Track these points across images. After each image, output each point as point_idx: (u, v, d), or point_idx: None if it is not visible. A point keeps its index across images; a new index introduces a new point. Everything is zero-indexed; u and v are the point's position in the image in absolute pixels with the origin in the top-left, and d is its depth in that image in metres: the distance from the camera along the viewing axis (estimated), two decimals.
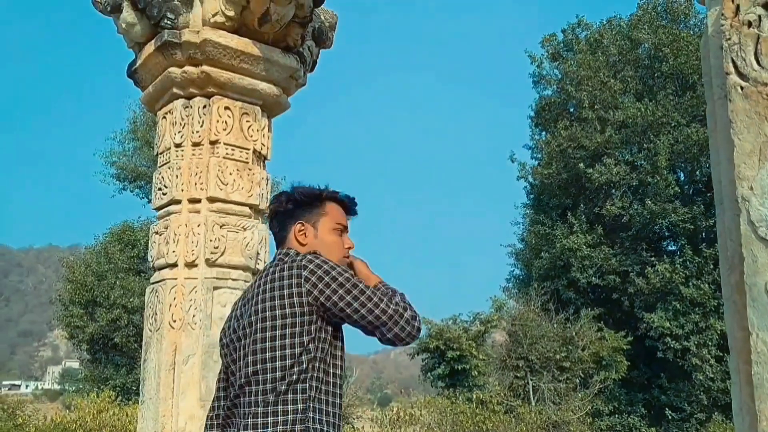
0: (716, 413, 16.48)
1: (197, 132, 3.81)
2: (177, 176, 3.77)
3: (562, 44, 22.28)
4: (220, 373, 2.16)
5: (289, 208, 2.16)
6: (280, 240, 2.19)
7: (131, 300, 17.96)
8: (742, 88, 1.63)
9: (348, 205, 2.22)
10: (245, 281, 3.76)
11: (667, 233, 20.15)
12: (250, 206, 3.87)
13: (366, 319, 1.95)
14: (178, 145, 3.84)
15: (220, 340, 2.15)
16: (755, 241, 1.54)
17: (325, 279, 1.94)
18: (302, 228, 2.14)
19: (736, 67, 1.66)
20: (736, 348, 1.62)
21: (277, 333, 1.92)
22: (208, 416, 2.18)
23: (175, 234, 3.71)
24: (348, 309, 1.94)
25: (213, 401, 2.17)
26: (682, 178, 20.46)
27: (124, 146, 21.74)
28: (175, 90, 3.86)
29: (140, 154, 21.01)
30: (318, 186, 2.21)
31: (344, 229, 2.20)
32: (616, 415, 17.82)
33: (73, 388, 28.24)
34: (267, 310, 1.95)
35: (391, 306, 1.97)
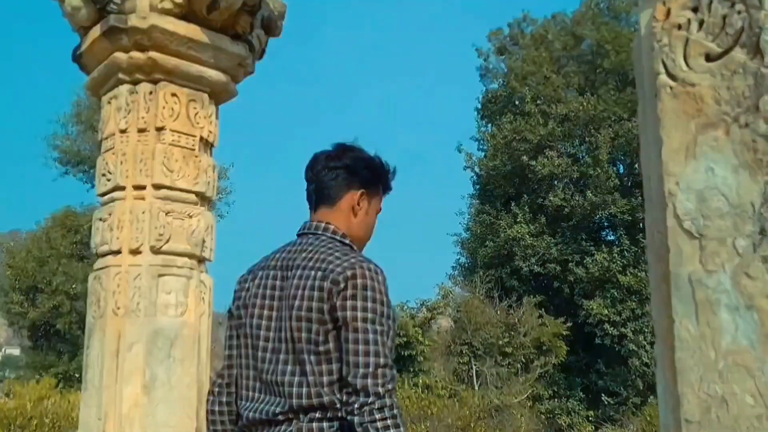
0: (651, 397, 17.07)
1: (143, 118, 3.77)
2: (122, 162, 3.72)
3: (508, 38, 22.60)
4: None
5: (359, 170, 1.96)
6: (320, 194, 1.96)
7: (74, 286, 17.60)
8: (671, 88, 1.71)
9: (386, 191, 2.08)
10: (190, 269, 3.76)
11: (606, 224, 20.72)
12: (197, 193, 3.85)
13: (356, 347, 1.74)
14: (123, 131, 3.79)
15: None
16: (680, 234, 1.64)
17: (361, 293, 1.76)
18: (363, 198, 1.96)
19: (666, 67, 1.74)
20: (662, 335, 1.72)
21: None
22: None
23: (119, 221, 3.67)
24: (350, 326, 1.75)
25: None
26: (622, 171, 21.03)
27: (67, 129, 21.21)
28: (120, 75, 3.80)
29: (84, 137, 20.51)
30: (386, 164, 2.04)
31: None
32: (556, 399, 18.30)
33: (13, 375, 27.54)
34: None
35: (387, 362, 1.74)
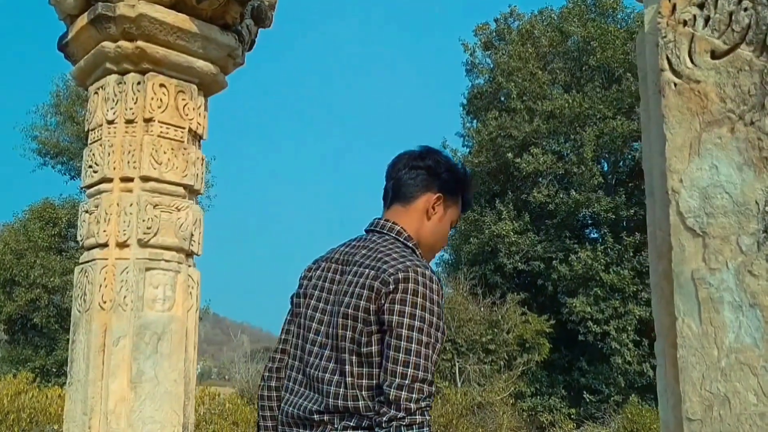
0: (633, 395, 17.19)
1: (131, 109, 3.71)
2: (109, 154, 3.67)
3: (494, 34, 22.60)
4: None
5: (441, 173, 1.91)
6: (396, 192, 1.91)
7: (52, 279, 17.39)
8: (675, 84, 1.70)
9: (464, 210, 2.03)
10: (178, 262, 3.71)
11: (590, 221, 20.82)
12: (185, 186, 3.81)
13: (396, 355, 1.65)
14: (110, 122, 3.74)
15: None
16: (683, 231, 1.62)
17: (411, 299, 1.68)
18: (439, 203, 1.90)
19: (670, 64, 1.73)
20: (663, 333, 1.71)
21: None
22: None
23: (107, 213, 3.62)
24: (394, 331, 1.66)
25: None
26: (606, 169, 21.13)
27: (46, 120, 20.94)
28: (108, 65, 3.75)
29: (63, 129, 20.25)
30: (469, 175, 2.02)
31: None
32: (538, 397, 18.37)
33: None
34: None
35: (427, 376, 1.65)
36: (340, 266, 1.85)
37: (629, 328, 17.83)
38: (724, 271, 1.54)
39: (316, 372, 1.76)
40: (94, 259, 3.62)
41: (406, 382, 1.61)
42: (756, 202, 1.51)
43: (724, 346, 1.51)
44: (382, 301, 1.68)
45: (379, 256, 1.77)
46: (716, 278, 1.55)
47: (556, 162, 19.66)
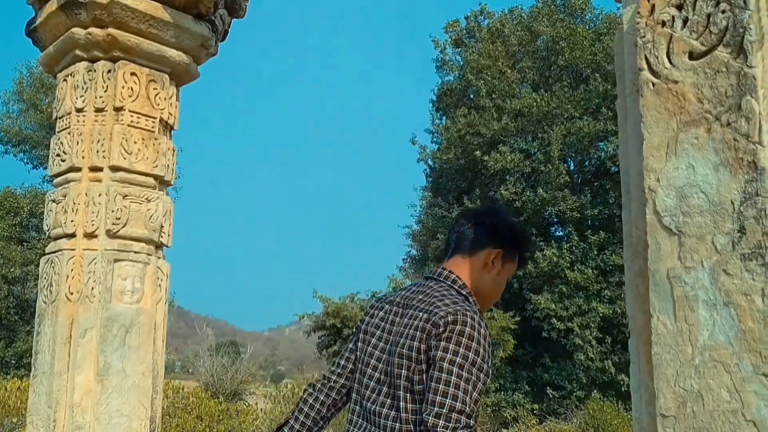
0: (595, 391, 17.43)
1: (101, 97, 3.64)
2: (78, 143, 3.60)
3: (464, 31, 22.67)
4: None
5: (503, 231, 2.05)
6: (458, 244, 2.06)
7: (12, 270, 17.03)
8: (653, 84, 1.72)
9: (520, 266, 2.18)
10: (148, 254, 3.66)
11: (556, 219, 21.02)
12: (155, 177, 3.75)
13: (436, 386, 1.75)
14: (79, 110, 3.66)
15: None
16: (659, 230, 1.64)
17: (456, 338, 1.78)
18: (499, 258, 2.03)
19: (648, 63, 1.75)
20: (637, 330, 1.73)
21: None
22: None
23: (74, 203, 3.55)
24: (437, 365, 1.76)
25: None
26: (572, 168, 21.35)
27: (8, 108, 20.48)
28: (77, 52, 3.67)
29: (26, 116, 19.83)
30: (528, 233, 2.20)
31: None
32: (502, 392, 18.52)
33: None
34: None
35: (465, 408, 1.72)
36: (400, 309, 1.98)
37: (592, 326, 18.06)
38: (700, 270, 1.57)
39: (374, 406, 1.90)
40: (60, 250, 3.55)
41: (444, 410, 1.70)
42: (731, 202, 1.53)
43: (698, 343, 1.53)
44: (432, 341, 1.79)
45: (432, 300, 1.89)
46: (691, 277, 1.57)
47: (523, 160, 19.81)
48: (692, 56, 1.67)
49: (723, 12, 1.64)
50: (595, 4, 20.83)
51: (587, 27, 20.55)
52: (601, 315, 17.83)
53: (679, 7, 1.70)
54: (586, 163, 20.88)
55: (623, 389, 16.55)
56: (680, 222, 1.60)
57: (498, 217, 2.11)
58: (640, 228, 1.73)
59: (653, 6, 1.74)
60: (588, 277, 18.15)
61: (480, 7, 22.59)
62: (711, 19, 1.64)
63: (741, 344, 1.48)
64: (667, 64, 1.69)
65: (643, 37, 1.74)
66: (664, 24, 1.71)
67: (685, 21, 1.69)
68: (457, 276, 2.00)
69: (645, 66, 1.73)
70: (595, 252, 18.41)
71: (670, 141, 1.66)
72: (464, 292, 1.97)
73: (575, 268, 18.42)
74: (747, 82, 1.57)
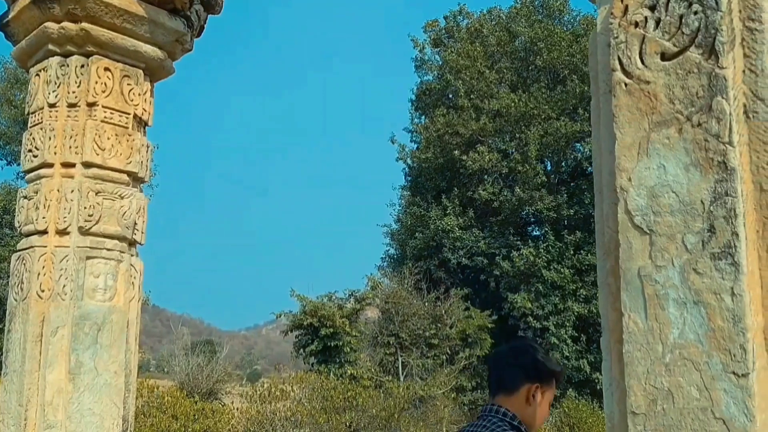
0: (570, 389, 17.58)
1: (74, 92, 3.60)
2: (50, 138, 3.55)
3: (444, 31, 22.72)
4: None
5: (535, 368, 2.31)
6: (499, 384, 2.34)
7: None
8: (626, 84, 1.73)
9: (558, 385, 2.43)
10: (121, 251, 3.62)
11: (532, 219, 21.17)
12: (129, 173, 3.71)
13: None
14: (52, 105, 3.61)
15: None
16: (631, 229, 1.65)
17: None
18: (538, 391, 2.30)
19: (621, 64, 1.76)
20: (609, 328, 1.74)
21: None
22: None
23: (46, 199, 3.50)
24: None
25: None
26: (549, 168, 21.50)
27: None
28: (50, 47, 3.62)
29: None
30: (557, 362, 2.46)
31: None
32: (479, 391, 18.60)
33: None
34: None
35: None
36: None
37: (568, 324, 18.21)
38: (670, 269, 1.58)
39: None
40: (32, 246, 3.50)
41: None
42: (701, 202, 1.55)
43: (668, 341, 1.54)
44: None
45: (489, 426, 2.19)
46: (662, 275, 1.58)
47: (501, 160, 19.91)
48: (664, 57, 1.68)
49: (695, 13, 1.65)
50: (573, 6, 20.95)
51: (565, 28, 20.70)
52: (576, 314, 17.99)
53: (652, 8, 1.71)
54: (563, 163, 21.05)
55: (598, 388, 16.72)
56: (651, 221, 1.61)
57: (529, 355, 2.35)
58: (612, 227, 1.74)
59: (626, 7, 1.75)
60: (564, 277, 18.30)
61: (459, 7, 22.67)
62: (683, 20, 1.65)
63: (710, 343, 1.49)
64: (640, 65, 1.70)
65: (616, 37, 1.75)
66: (637, 25, 1.72)
67: (658, 22, 1.70)
68: (507, 409, 2.28)
69: (618, 66, 1.74)
70: (572, 251, 18.57)
71: (642, 141, 1.67)
72: (515, 423, 2.26)
73: (551, 267, 18.55)
74: (718, 83, 1.58)
